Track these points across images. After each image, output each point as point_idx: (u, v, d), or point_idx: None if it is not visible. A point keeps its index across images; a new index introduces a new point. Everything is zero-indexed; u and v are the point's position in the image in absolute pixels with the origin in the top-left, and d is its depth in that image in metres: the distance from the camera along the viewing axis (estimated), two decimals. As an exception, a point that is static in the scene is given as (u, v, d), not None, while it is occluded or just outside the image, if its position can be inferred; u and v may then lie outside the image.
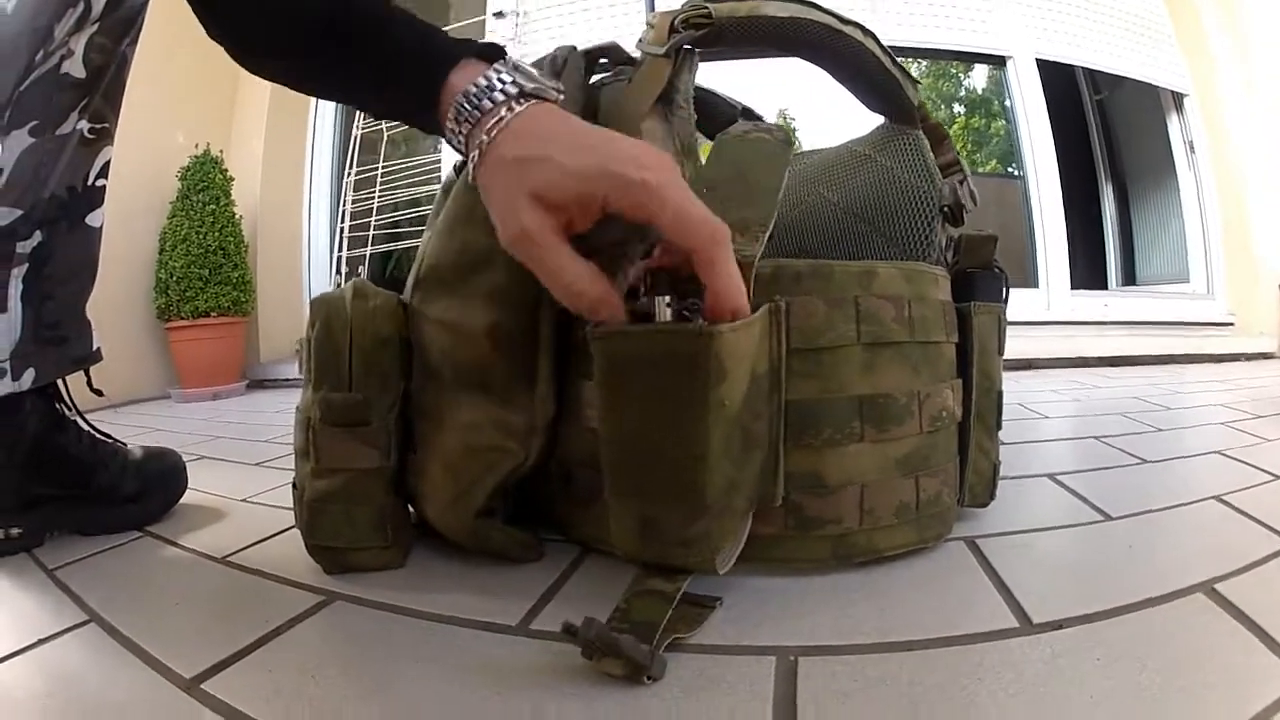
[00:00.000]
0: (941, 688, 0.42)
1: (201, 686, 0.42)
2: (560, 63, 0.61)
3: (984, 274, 0.68)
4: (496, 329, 0.55)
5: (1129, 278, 3.58)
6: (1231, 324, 2.82)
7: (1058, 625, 0.49)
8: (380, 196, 2.77)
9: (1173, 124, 3.04)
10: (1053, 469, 0.92)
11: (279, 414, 1.77)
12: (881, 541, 0.57)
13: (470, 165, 0.46)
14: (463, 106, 0.45)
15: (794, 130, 3.07)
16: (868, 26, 0.65)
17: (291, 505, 0.60)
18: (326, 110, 2.92)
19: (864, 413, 0.54)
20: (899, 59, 0.69)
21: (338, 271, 2.76)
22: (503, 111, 0.44)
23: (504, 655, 0.46)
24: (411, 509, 0.63)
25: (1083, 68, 3.04)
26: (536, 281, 0.53)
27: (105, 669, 0.45)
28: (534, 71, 0.46)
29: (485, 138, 0.44)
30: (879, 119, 0.78)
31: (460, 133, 0.46)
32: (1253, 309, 2.74)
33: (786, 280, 0.53)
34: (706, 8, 0.58)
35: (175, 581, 0.60)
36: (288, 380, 2.51)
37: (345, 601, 0.54)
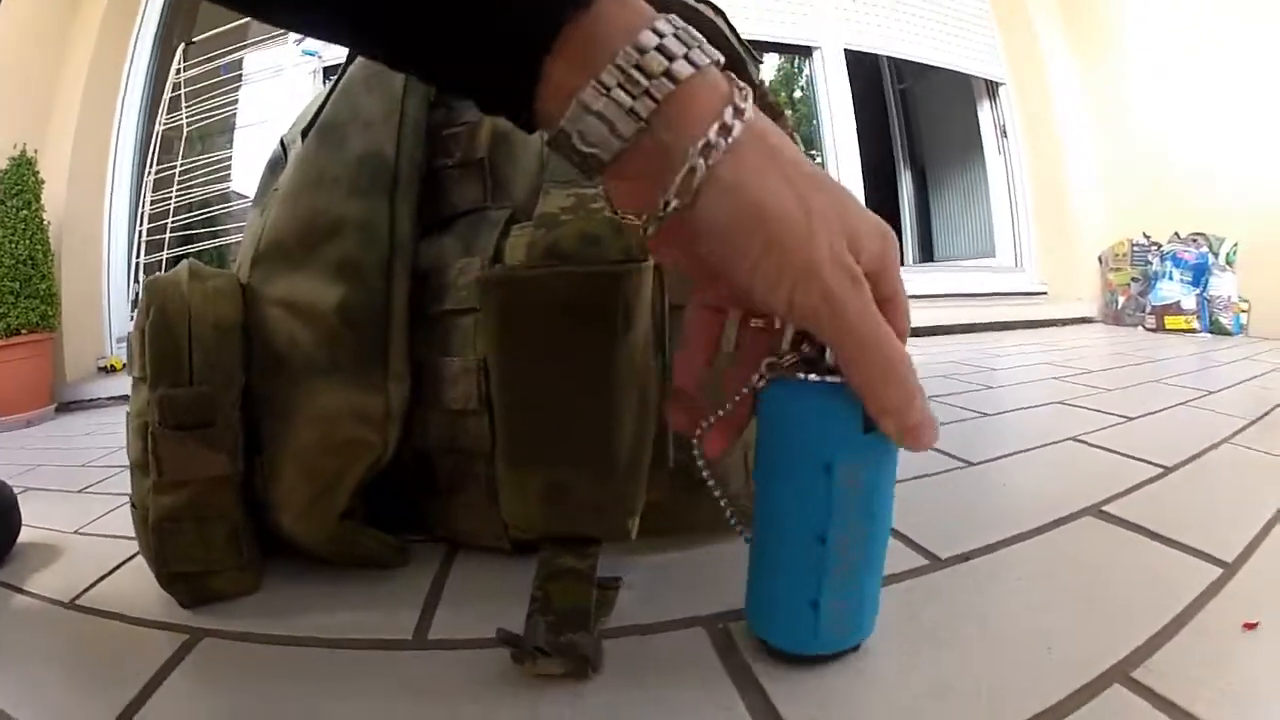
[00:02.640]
0: (890, 619, 0.42)
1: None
2: None
3: None
4: (346, 304, 0.50)
5: (926, 256, 3.88)
6: (1044, 293, 3.09)
7: (965, 558, 0.52)
8: (177, 197, 2.54)
9: (984, 110, 3.31)
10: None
11: (92, 436, 1.59)
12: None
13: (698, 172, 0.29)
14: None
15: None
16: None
17: (130, 532, 0.52)
18: (133, 103, 2.64)
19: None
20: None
21: (135, 279, 2.50)
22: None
23: (417, 673, 0.41)
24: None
25: (888, 58, 3.23)
26: (389, 250, 0.52)
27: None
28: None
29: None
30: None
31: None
32: (1070, 279, 3.02)
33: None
34: None
35: (34, 636, 0.50)
36: (93, 400, 2.26)
37: (214, 638, 0.47)
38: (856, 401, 0.33)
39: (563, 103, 0.29)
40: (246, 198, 2.60)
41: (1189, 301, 2.37)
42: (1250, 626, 0.42)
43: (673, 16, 0.29)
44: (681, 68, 0.28)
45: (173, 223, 2.51)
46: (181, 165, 2.56)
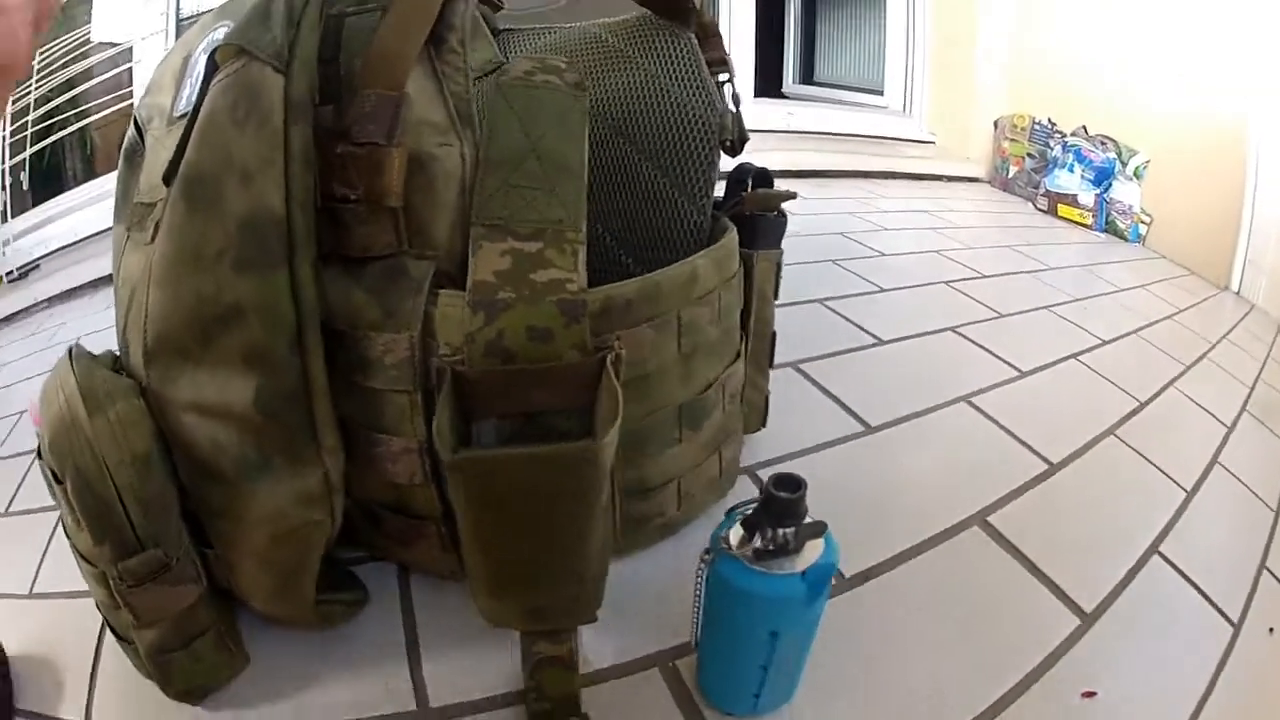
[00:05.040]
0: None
1: None
2: None
3: (767, 219, 0.68)
4: (263, 395, 0.46)
5: (807, 76, 3.66)
6: (932, 142, 3.04)
7: (867, 576, 0.60)
8: (37, 88, 2.24)
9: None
10: (794, 356, 0.98)
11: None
12: (697, 513, 0.63)
13: None
14: None
15: None
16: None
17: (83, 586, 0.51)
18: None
19: (683, 419, 0.56)
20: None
21: (2, 188, 2.26)
22: None
23: None
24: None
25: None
26: (296, 325, 0.46)
27: None
28: None
29: None
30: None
31: None
32: (960, 135, 2.96)
33: (617, 312, 0.49)
34: None
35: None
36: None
37: None
38: (802, 587, 0.41)
39: None
40: (113, 46, 2.32)
41: (1087, 198, 2.39)
42: (1089, 695, 0.50)
43: None
44: None
45: (34, 116, 2.23)
46: (40, 55, 2.23)
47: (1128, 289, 1.64)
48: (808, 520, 0.42)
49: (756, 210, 0.67)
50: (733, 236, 0.60)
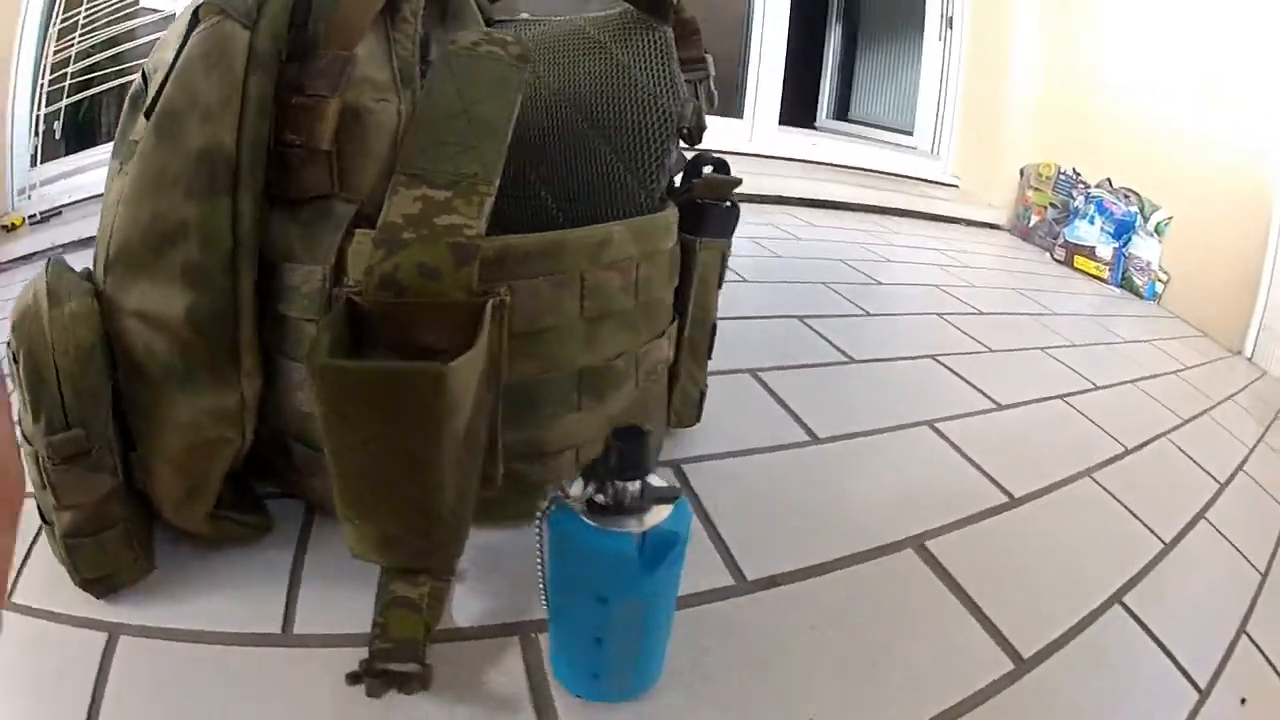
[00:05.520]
0: (683, 648, 0.48)
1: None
2: None
3: (718, 208, 0.68)
4: (194, 311, 0.51)
5: (842, 113, 3.76)
6: (956, 185, 3.04)
7: (774, 582, 0.56)
8: (80, 41, 2.35)
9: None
10: (754, 363, 0.96)
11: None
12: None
13: None
14: None
15: None
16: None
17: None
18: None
19: (583, 385, 0.57)
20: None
21: (36, 133, 2.35)
22: None
23: (286, 672, 0.48)
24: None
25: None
26: (231, 248, 0.51)
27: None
28: None
29: None
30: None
31: None
32: (985, 181, 2.96)
33: (513, 262, 0.51)
34: None
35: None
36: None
37: (128, 635, 0.52)
38: (633, 549, 0.39)
39: None
40: (157, 12, 2.42)
41: (1105, 252, 2.33)
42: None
43: None
44: None
45: (73, 69, 2.32)
46: (87, 9, 2.34)
47: (1133, 341, 1.58)
48: (659, 484, 0.41)
49: (708, 198, 0.68)
50: (667, 215, 0.62)
